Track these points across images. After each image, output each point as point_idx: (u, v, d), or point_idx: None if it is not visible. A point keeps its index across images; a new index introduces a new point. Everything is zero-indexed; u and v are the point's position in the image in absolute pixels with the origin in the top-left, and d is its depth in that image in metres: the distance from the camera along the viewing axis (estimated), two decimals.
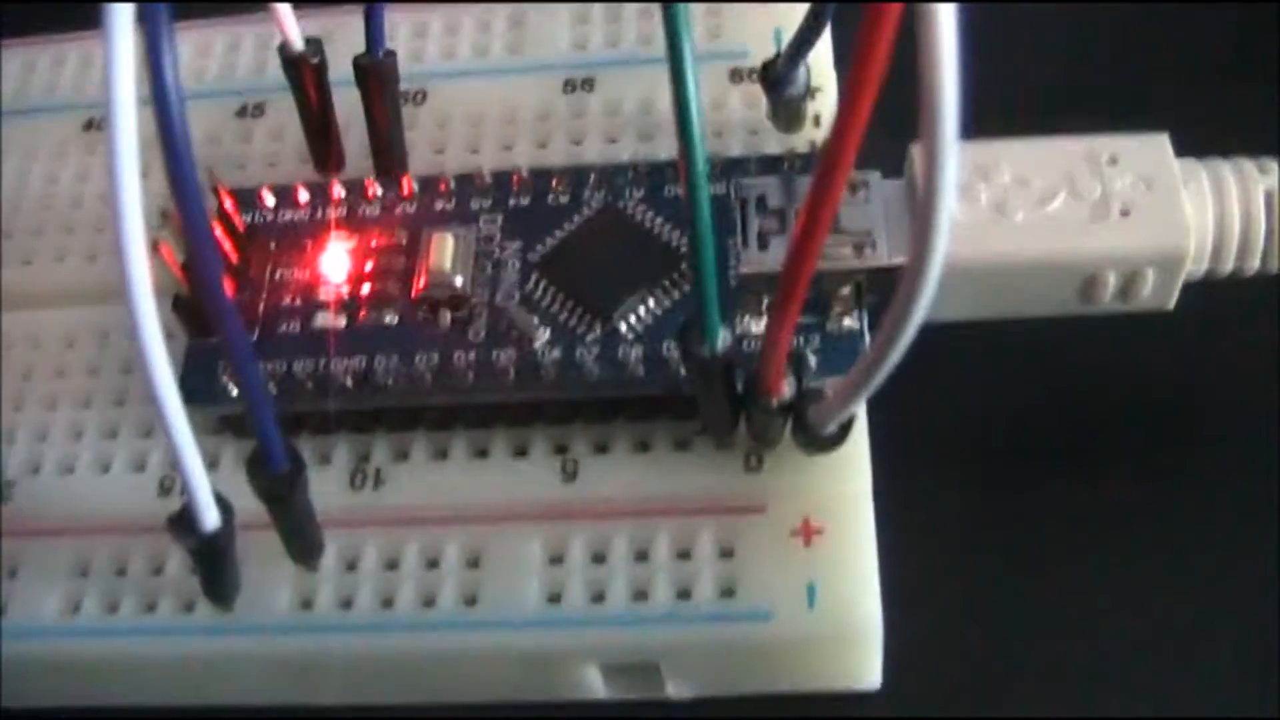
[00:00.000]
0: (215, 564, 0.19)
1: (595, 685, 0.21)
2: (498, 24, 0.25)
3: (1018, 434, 0.23)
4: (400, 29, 0.25)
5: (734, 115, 0.23)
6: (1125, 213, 0.20)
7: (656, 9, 0.24)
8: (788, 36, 0.22)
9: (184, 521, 0.19)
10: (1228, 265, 0.20)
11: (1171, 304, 0.20)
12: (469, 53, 0.25)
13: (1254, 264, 0.20)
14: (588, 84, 0.24)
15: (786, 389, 0.19)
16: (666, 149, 0.23)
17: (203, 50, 0.26)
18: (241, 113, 0.25)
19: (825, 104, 0.23)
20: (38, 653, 0.21)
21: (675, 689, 0.21)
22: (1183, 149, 0.21)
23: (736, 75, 0.24)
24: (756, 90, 0.23)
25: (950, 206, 0.14)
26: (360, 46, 0.22)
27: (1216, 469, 0.22)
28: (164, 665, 0.21)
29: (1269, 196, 0.20)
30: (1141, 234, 0.20)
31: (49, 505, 0.22)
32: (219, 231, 0.21)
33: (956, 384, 0.23)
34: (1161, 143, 0.21)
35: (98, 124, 0.25)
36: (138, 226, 0.15)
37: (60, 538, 0.21)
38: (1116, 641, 0.21)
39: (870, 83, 0.14)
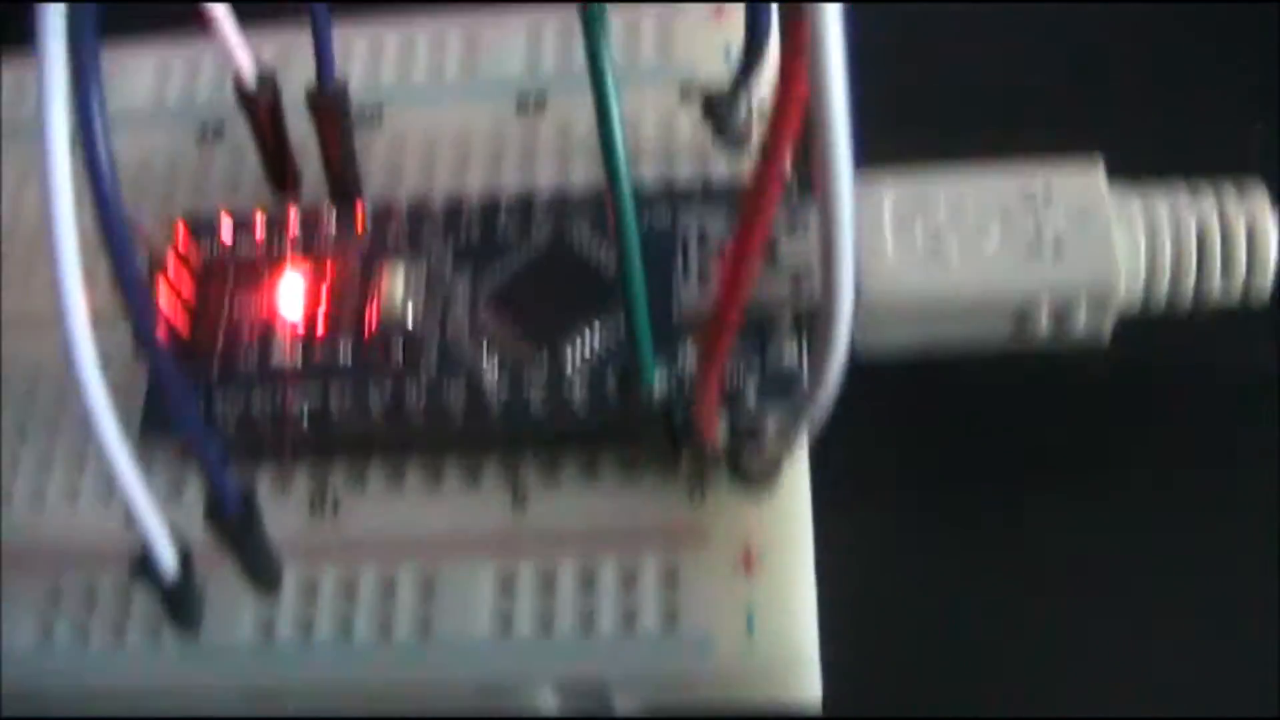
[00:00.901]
0: (177, 600, 0.20)
1: (547, 705, 0.22)
2: (453, 42, 0.25)
3: (958, 464, 0.23)
4: (356, 45, 0.25)
5: (682, 137, 0.24)
6: (1057, 249, 0.20)
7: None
8: (736, 53, 0.23)
9: (145, 566, 0.19)
10: (1161, 299, 0.21)
11: (1106, 338, 0.21)
12: (424, 72, 0.25)
13: (1187, 297, 0.21)
14: (540, 105, 0.24)
15: (720, 435, 0.19)
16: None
17: (161, 71, 0.26)
18: (202, 137, 0.25)
19: None
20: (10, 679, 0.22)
21: (622, 707, 0.22)
22: (1121, 162, 0.21)
23: (686, 93, 0.24)
24: None
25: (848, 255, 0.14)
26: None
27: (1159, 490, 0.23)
28: (132, 692, 0.22)
29: (1201, 230, 0.21)
30: (1073, 270, 0.20)
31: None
32: (175, 270, 0.22)
33: (896, 417, 0.23)
34: (1095, 171, 0.21)
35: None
36: (74, 269, 0.16)
37: (33, 568, 0.22)
38: (1059, 665, 0.22)
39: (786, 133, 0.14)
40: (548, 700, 0.21)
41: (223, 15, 0.22)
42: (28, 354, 0.23)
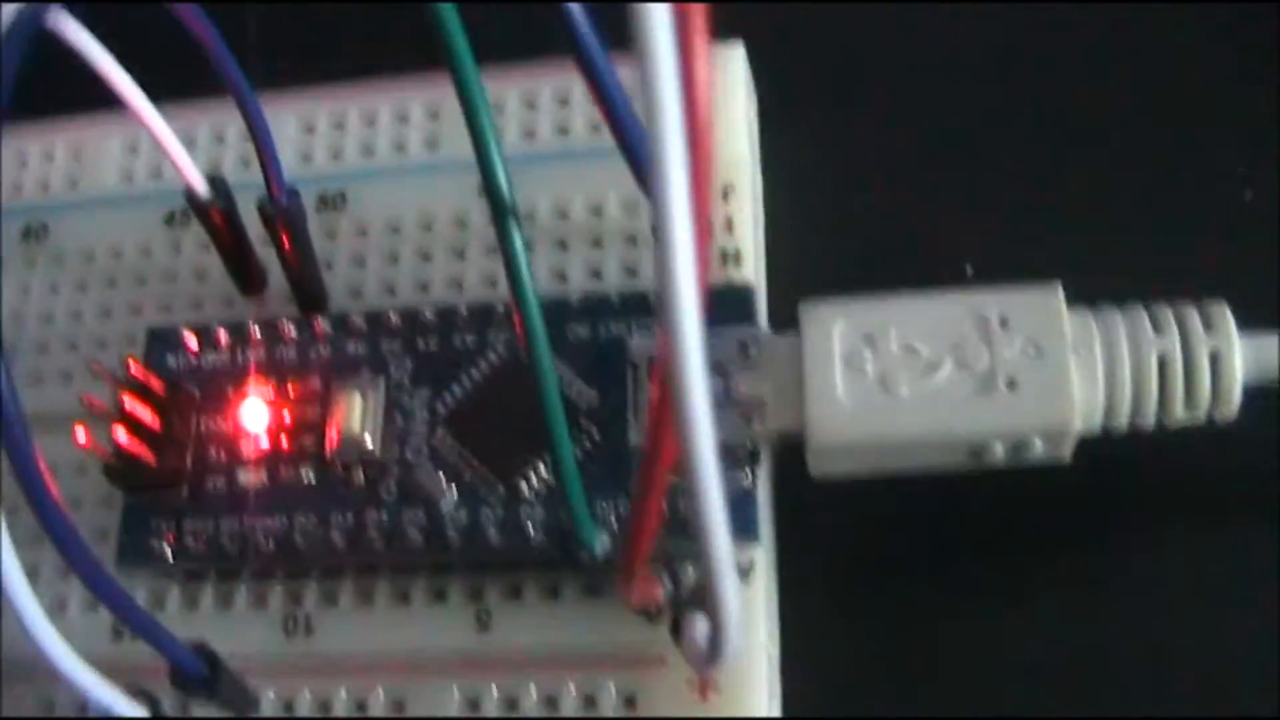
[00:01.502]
0: None
1: None
2: (415, 114, 0.25)
3: (920, 565, 0.23)
4: (319, 119, 0.25)
5: (647, 220, 0.23)
6: (1012, 384, 0.20)
7: (574, 97, 0.24)
8: None
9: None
10: (1121, 427, 0.20)
11: (1067, 458, 0.20)
12: (387, 149, 0.25)
13: (1149, 424, 0.20)
14: None
15: (660, 594, 0.20)
16: (581, 258, 0.23)
17: (130, 146, 0.26)
18: (170, 220, 0.25)
19: (736, 207, 0.23)
20: None
21: None
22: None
23: None
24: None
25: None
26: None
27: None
28: None
29: (1162, 360, 0.20)
30: (1027, 410, 0.20)
31: None
32: (134, 403, 0.22)
33: (858, 521, 0.23)
34: (1053, 298, 0.20)
35: (35, 232, 0.26)
36: None
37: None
38: None
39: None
40: None
41: (160, 130, 0.21)
42: None
